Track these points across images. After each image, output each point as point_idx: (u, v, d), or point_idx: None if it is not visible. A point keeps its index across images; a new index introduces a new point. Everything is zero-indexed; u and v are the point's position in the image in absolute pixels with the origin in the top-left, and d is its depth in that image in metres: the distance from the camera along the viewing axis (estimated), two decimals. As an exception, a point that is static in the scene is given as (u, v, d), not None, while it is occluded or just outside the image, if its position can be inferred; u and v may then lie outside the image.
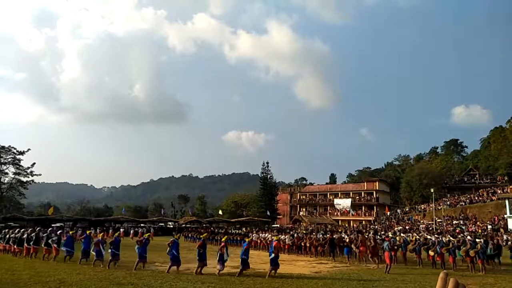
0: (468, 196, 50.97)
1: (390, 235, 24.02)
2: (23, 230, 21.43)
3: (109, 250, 15.18)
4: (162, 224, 58.83)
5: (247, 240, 16.15)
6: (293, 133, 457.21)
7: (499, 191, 47.20)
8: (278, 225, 59.30)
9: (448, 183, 63.59)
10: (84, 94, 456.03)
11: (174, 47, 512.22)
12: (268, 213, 61.74)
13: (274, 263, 13.46)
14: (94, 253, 15.46)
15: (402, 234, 26.13)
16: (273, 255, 13.62)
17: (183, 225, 54.64)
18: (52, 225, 43.95)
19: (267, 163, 71.47)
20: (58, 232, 18.83)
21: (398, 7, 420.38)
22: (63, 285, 10.39)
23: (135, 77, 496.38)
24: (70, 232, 19.05)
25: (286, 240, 24.66)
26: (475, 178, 61.82)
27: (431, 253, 17.22)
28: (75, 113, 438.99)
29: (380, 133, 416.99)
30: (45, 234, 18.49)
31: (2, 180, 59.39)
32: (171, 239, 14.94)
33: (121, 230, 41.84)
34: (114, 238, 16.07)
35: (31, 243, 18.49)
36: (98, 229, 40.35)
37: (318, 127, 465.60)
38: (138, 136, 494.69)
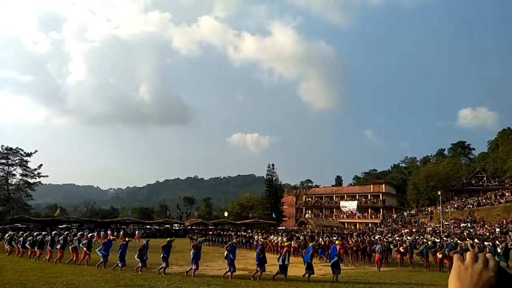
0: (476, 199, 50.46)
1: (397, 238, 23.89)
2: (44, 233, 20.27)
3: (161, 255, 14.40)
4: (168, 226, 59.00)
5: (311, 244, 15.63)
6: (298, 135, 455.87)
7: (507, 194, 46.73)
8: (283, 228, 59.17)
9: (455, 186, 63.05)
10: (90, 96, 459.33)
11: (179, 50, 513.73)
12: (274, 215, 61.59)
13: (337, 267, 13.61)
14: (138, 259, 14.52)
15: (408, 237, 25.97)
16: (335, 258, 13.72)
17: (189, 227, 54.74)
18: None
19: (273, 165, 71.26)
20: (89, 235, 17.33)
21: (403, 9, 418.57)
22: (70, 287, 10.46)
23: (141, 80, 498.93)
24: (110, 237, 17.50)
25: (292, 243, 24.58)
26: (483, 181, 61.22)
27: (439, 255, 17.10)
28: (81, 115, 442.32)
29: (386, 135, 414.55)
30: (76, 238, 17.48)
31: (9, 181, 59.98)
32: (229, 243, 14.65)
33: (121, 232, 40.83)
34: (167, 242, 14.91)
35: (58, 246, 17.51)
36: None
37: (323, 129, 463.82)
38: (143, 138, 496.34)
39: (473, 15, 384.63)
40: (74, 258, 16.76)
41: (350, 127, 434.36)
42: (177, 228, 57.94)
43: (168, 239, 16.15)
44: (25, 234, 20.82)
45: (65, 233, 20.96)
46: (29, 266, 15.42)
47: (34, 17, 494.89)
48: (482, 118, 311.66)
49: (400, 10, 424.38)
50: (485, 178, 61.55)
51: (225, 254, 13.88)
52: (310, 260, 13.59)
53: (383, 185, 67.82)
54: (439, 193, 43.89)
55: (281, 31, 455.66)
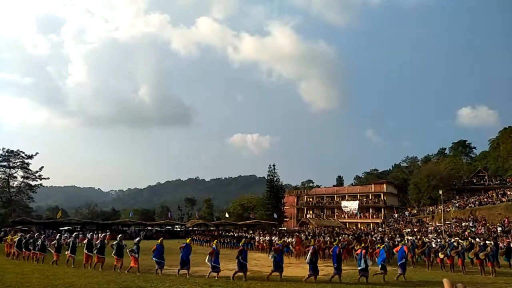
0: (477, 198, 50.40)
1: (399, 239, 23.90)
2: (75, 234, 18.85)
3: (237, 261, 13.65)
4: (169, 227, 59.07)
5: (381, 247, 15.66)
6: (298, 135, 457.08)
7: (509, 193, 46.63)
8: (285, 228, 59.14)
9: (456, 185, 62.95)
10: (90, 98, 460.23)
11: (178, 51, 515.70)
12: (275, 215, 61.55)
13: (403, 268, 14.47)
14: (209, 264, 13.61)
15: (409, 237, 25.96)
16: (404, 260, 14.71)
17: (190, 228, 54.77)
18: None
19: (274, 165, 71.28)
20: (136, 240, 15.51)
21: (403, 8, 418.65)
22: (72, 289, 10.46)
23: (140, 81, 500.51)
24: (159, 241, 15.34)
25: (294, 243, 24.68)
26: (484, 180, 61.11)
27: (441, 255, 17.09)
28: (81, 117, 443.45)
29: (386, 134, 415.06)
30: (115, 242, 15.45)
31: (11, 184, 60.07)
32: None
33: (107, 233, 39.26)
34: (242, 247, 14.02)
35: (95, 251, 15.60)
36: (108, 235, 39.28)
37: (324, 129, 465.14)
38: (144, 139, 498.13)
39: (473, 13, 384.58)
40: (118, 264, 14.85)
41: (350, 127, 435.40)
42: (179, 229, 57.98)
43: (242, 242, 16.06)
44: (43, 236, 19.43)
45: (102, 235, 18.81)
46: (31, 269, 15.41)
47: (33, 19, 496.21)
48: (482, 117, 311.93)
49: (400, 9, 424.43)
50: (486, 177, 61.45)
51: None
52: (384, 262, 14.43)
53: (384, 184, 67.77)
54: (440, 192, 43.83)
55: (280, 31, 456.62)
